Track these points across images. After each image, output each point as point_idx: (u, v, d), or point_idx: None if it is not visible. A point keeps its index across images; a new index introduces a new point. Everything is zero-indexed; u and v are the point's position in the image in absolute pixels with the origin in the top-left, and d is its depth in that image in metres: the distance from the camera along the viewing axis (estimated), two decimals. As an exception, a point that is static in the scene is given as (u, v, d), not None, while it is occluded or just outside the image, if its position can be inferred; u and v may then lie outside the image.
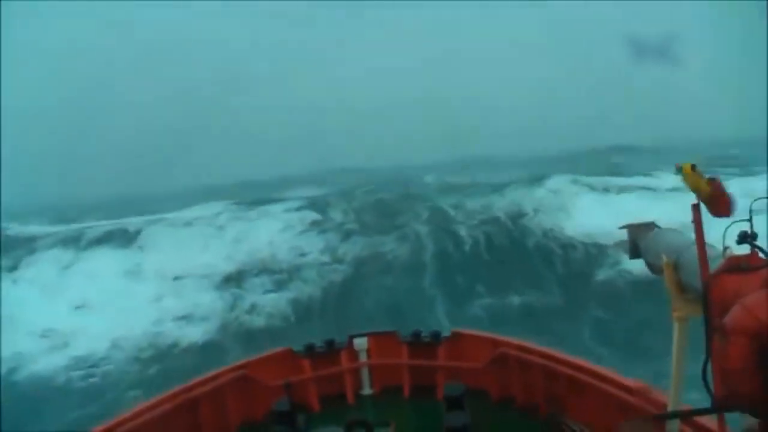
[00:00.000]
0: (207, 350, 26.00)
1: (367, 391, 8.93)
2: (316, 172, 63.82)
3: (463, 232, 34.76)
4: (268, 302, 29.65)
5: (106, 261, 33.75)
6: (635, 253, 5.29)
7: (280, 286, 31.09)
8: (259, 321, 28.28)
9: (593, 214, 33.57)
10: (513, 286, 27.77)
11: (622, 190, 39.03)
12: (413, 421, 8.27)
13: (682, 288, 4.49)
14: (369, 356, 8.95)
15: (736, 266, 3.57)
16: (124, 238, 37.17)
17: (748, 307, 3.09)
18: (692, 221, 4.00)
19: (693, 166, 3.94)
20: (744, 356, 3.06)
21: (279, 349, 9.09)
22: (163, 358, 25.73)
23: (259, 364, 8.72)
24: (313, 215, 39.98)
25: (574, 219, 33.57)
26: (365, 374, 8.94)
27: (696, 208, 3.98)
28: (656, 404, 6.27)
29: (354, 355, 8.96)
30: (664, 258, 4.59)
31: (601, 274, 27.96)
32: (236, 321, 28.32)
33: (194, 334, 27.31)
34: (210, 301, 29.75)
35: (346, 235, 35.69)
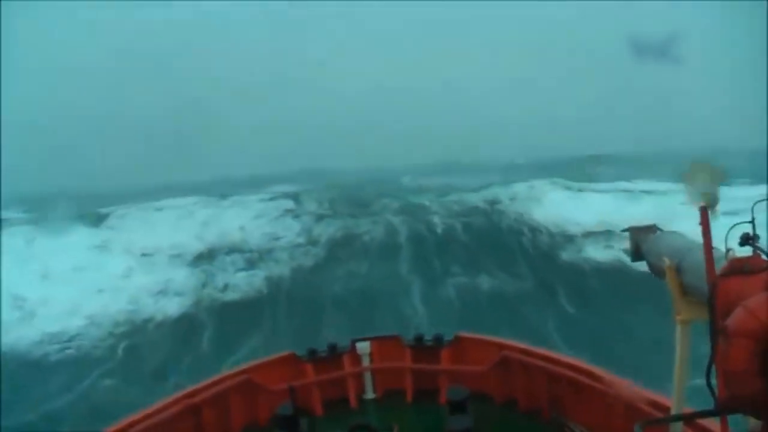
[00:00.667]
0: (181, 323, 26.40)
1: (370, 395, 8.99)
2: (293, 171, 64.24)
3: (437, 219, 35.46)
4: (240, 280, 29.90)
5: (75, 237, 33.81)
6: (637, 255, 5.29)
7: (251, 265, 31.34)
8: (233, 296, 28.48)
9: (564, 206, 34.62)
10: (485, 267, 28.42)
11: (596, 190, 40.07)
12: (416, 425, 8.35)
13: (685, 291, 4.50)
14: (372, 360, 9.00)
15: (738, 269, 3.58)
16: (95, 218, 37.27)
17: (751, 309, 3.12)
18: (700, 224, 3.96)
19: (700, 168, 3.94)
20: (747, 358, 3.09)
21: (282, 353, 9.17)
22: (137, 332, 25.94)
23: (262, 369, 8.77)
24: (287, 203, 40.42)
25: (545, 208, 34.49)
26: (368, 378, 9.01)
27: (704, 210, 3.94)
28: (659, 407, 6.35)
29: (357, 359, 8.98)
30: (667, 261, 4.59)
31: (566, 256, 28.78)
32: (209, 297, 28.48)
33: (169, 308, 27.47)
34: (183, 278, 29.88)
35: (320, 218, 36.12)
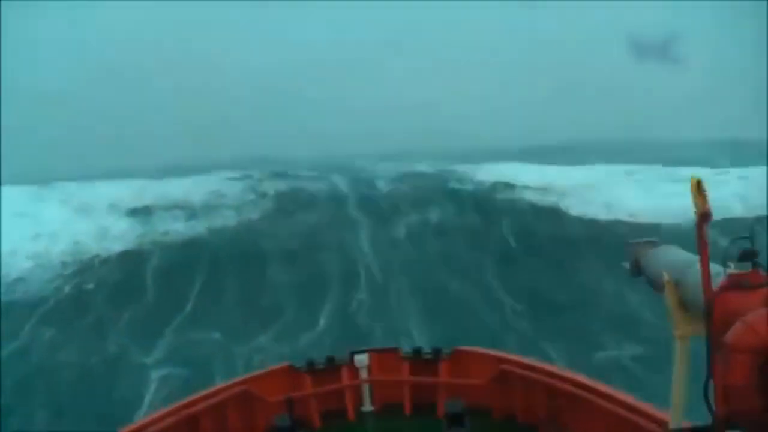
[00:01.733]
0: (127, 259, 26.72)
1: (367, 407, 9.07)
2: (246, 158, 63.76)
3: (382, 184, 36.22)
4: (181, 227, 29.94)
5: (14, 190, 33.38)
6: (636, 270, 5.34)
7: (193, 216, 31.39)
8: (175, 237, 28.51)
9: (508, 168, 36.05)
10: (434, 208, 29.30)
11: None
12: None
13: (683, 306, 4.57)
14: (370, 372, 9.11)
15: (737, 284, 3.63)
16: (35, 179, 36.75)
17: (749, 324, 3.17)
18: (697, 238, 4.02)
19: (699, 183, 4.03)
20: (745, 373, 3.13)
21: (280, 365, 9.33)
22: (85, 270, 26.07)
23: (259, 380, 8.88)
24: (234, 173, 40.44)
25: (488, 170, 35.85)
26: (366, 391, 9.08)
27: (701, 225, 4.00)
28: (657, 421, 6.38)
29: (355, 371, 9.08)
30: (665, 276, 4.65)
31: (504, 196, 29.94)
32: (151, 239, 28.47)
33: (112, 246, 27.49)
34: (122, 225, 29.82)
35: (272, 176, 36.36)
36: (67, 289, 24.84)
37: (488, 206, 30.80)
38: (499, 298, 25.12)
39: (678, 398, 4.78)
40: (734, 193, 30.51)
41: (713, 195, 4.02)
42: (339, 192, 33.30)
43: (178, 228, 29.86)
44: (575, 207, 31.41)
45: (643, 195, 32.95)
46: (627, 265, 5.43)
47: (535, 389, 7.81)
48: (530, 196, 32.06)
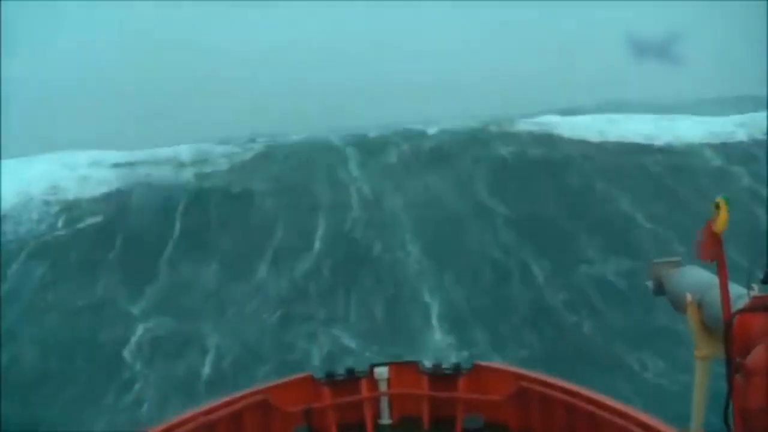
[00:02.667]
0: (111, 199, 26.92)
1: (385, 420, 9.11)
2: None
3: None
4: (168, 172, 29.90)
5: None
6: (659, 289, 5.39)
7: (181, 167, 31.35)
8: (161, 180, 28.49)
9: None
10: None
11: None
12: None
13: (706, 327, 4.61)
14: (389, 385, 9.16)
15: (760, 306, 3.65)
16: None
17: None
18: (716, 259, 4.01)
19: (717, 205, 4.07)
20: (765, 396, 3.18)
21: (299, 375, 9.47)
22: (71, 208, 26.30)
23: (278, 390, 8.96)
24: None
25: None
26: (384, 403, 9.13)
27: (719, 245, 3.99)
28: None
29: (374, 383, 9.14)
30: (688, 297, 4.70)
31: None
32: (135, 181, 28.44)
33: (95, 190, 27.62)
34: (105, 174, 29.80)
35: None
36: (59, 223, 24.68)
37: (484, 136, 30.71)
38: (491, 208, 25.08)
39: (698, 418, 4.78)
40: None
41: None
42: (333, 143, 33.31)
43: (164, 173, 29.76)
44: (568, 132, 31.57)
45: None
46: (650, 284, 5.49)
47: (554, 406, 7.86)
48: (528, 127, 32.12)
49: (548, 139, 31.71)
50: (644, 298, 21.99)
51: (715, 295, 4.28)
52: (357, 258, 23.03)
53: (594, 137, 31.94)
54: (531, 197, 25.96)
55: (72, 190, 27.69)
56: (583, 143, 31.21)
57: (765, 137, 30.94)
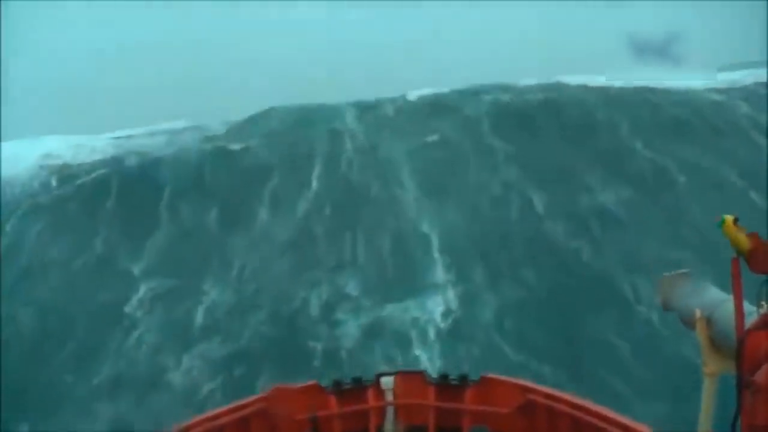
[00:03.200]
0: (107, 162, 27.12)
1: (391, 430, 9.20)
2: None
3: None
4: (162, 140, 29.94)
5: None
6: (668, 305, 5.49)
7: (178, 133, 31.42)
8: (156, 146, 28.56)
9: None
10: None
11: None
12: None
13: (715, 343, 4.67)
14: (395, 395, 9.26)
15: None
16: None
17: None
18: (731, 276, 4.04)
19: (735, 220, 4.04)
20: None
21: (306, 383, 9.46)
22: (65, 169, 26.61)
23: (285, 397, 9.06)
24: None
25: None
26: (390, 413, 9.23)
27: (736, 262, 4.03)
28: None
29: (380, 393, 9.24)
30: (698, 312, 4.76)
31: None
32: (129, 150, 28.54)
33: (91, 156, 27.84)
34: (99, 143, 29.94)
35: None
36: (53, 182, 24.75)
37: (484, 89, 30.95)
38: (491, 145, 24.93)
39: None
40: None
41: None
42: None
43: (160, 140, 29.83)
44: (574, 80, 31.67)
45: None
46: (658, 298, 5.57)
47: (560, 420, 7.86)
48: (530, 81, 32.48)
49: (550, 87, 31.58)
50: (642, 226, 22.40)
51: (725, 311, 4.34)
52: (356, 196, 22.93)
53: (597, 83, 31.88)
54: (532, 133, 25.89)
55: (66, 156, 27.81)
56: (585, 87, 31.13)
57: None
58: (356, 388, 9.13)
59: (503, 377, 9.56)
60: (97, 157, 28.02)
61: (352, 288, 21.21)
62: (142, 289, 21.67)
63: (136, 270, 22.33)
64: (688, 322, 4.96)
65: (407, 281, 21.17)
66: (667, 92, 30.52)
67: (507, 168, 23.96)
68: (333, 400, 8.99)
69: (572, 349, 18.04)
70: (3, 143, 29.37)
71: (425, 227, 22.35)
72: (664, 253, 20.17)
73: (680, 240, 21.04)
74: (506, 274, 20.99)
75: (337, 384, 9.15)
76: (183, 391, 19.10)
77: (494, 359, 17.65)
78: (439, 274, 21.26)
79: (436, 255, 21.58)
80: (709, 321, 4.68)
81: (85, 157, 27.96)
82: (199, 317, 20.78)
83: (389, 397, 9.13)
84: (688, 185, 23.29)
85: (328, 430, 8.76)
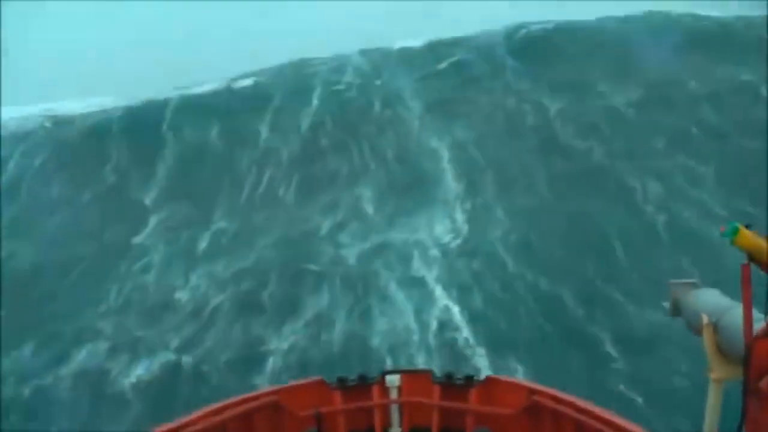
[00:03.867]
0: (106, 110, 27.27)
1: (395, 428, 9.29)
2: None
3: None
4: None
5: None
6: (676, 311, 5.55)
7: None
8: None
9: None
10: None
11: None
12: None
13: (721, 350, 4.73)
14: (400, 393, 9.34)
15: None
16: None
17: None
18: (741, 282, 4.06)
19: (748, 226, 4.06)
20: None
21: (311, 379, 9.60)
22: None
23: (290, 392, 9.13)
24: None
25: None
26: (395, 411, 9.34)
27: (747, 268, 4.04)
28: None
29: (385, 391, 9.33)
30: (705, 318, 4.82)
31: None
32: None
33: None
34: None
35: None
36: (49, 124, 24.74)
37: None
38: (502, 64, 24.67)
39: None
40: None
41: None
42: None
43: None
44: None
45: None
46: (666, 305, 5.60)
47: (565, 423, 7.86)
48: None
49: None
50: (650, 125, 22.15)
51: (732, 318, 4.40)
52: (358, 113, 22.59)
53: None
54: (544, 51, 25.65)
55: (66, 108, 27.84)
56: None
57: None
58: (361, 386, 9.19)
59: (509, 378, 9.63)
60: (94, 109, 28.18)
61: (361, 201, 20.91)
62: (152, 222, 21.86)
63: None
64: (695, 329, 4.98)
65: (416, 194, 20.81)
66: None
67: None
68: (338, 396, 9.05)
69: (578, 260, 17.71)
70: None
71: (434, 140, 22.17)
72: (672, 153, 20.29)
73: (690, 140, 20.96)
74: (519, 182, 20.62)
75: (342, 381, 9.20)
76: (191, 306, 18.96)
77: (494, 271, 17.53)
78: (450, 184, 20.98)
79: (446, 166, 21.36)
80: (716, 327, 4.71)
81: (86, 107, 28.20)
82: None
83: (394, 395, 9.20)
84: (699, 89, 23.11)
85: (332, 426, 8.79)
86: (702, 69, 23.79)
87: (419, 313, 16.68)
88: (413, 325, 16.38)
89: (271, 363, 16.07)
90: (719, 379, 4.71)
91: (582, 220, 18.91)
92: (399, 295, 17.44)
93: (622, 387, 12.97)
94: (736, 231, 4.00)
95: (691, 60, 24.49)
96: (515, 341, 14.96)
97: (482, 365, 14.34)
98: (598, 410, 7.65)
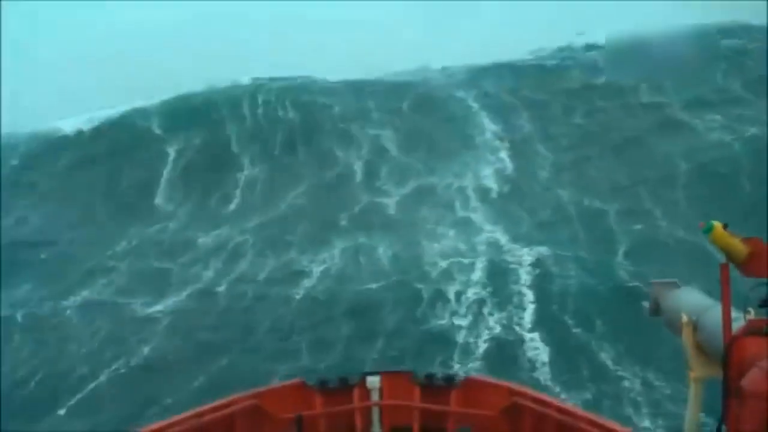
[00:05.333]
0: None
1: (376, 430, 9.34)
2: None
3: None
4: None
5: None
6: (656, 310, 5.66)
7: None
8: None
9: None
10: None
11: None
12: None
13: (701, 349, 4.79)
14: (381, 395, 9.38)
15: (756, 329, 3.77)
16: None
17: (766, 370, 3.32)
18: (720, 281, 4.14)
19: (725, 226, 4.12)
20: (759, 420, 3.24)
21: (292, 381, 9.66)
22: None
23: (270, 395, 9.18)
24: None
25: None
26: (375, 414, 9.37)
27: (725, 267, 4.12)
28: None
29: (366, 393, 9.36)
30: (684, 317, 4.88)
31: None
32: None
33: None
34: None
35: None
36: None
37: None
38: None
39: None
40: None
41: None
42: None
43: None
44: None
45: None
46: (646, 304, 5.78)
47: (546, 423, 7.98)
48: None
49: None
50: None
51: (711, 317, 4.46)
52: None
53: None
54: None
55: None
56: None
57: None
58: (342, 388, 9.15)
59: (489, 378, 9.74)
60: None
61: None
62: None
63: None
64: (675, 327, 5.02)
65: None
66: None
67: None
68: (318, 399, 9.04)
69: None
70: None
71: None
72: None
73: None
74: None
75: (323, 383, 9.16)
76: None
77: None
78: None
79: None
80: (695, 326, 4.76)
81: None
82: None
83: (375, 397, 9.18)
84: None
85: (313, 429, 8.78)
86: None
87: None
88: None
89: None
90: (699, 378, 4.72)
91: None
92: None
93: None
94: (711, 228, 3.98)
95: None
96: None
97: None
98: (581, 412, 7.66)
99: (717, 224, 4.00)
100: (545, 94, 24.79)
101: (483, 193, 19.32)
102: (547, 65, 27.87)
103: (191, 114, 25.55)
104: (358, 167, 21.50)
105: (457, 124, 23.51)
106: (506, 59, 28.37)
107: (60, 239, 19.16)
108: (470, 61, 28.73)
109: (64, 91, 29.95)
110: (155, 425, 7.53)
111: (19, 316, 15.43)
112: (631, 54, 26.58)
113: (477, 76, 27.44)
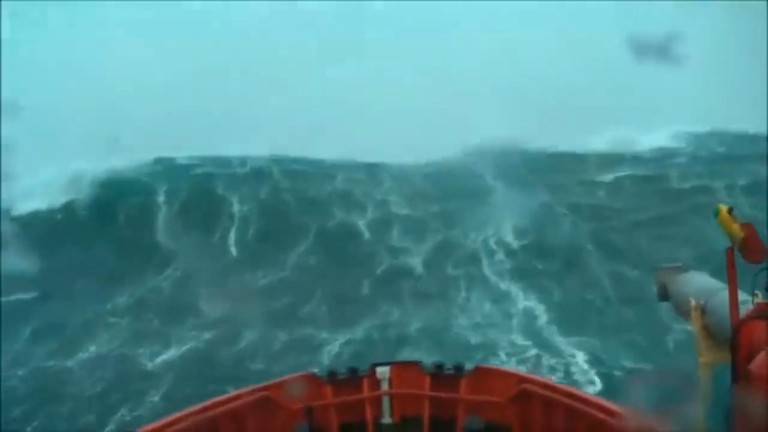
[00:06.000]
0: None
1: (387, 420, 9.26)
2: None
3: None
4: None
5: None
6: (664, 295, 5.65)
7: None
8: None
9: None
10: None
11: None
12: None
13: (709, 332, 4.78)
14: (391, 385, 9.31)
15: (764, 313, 3.84)
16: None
17: None
18: (726, 266, 4.20)
19: (730, 210, 4.22)
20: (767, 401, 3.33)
21: (301, 373, 9.78)
22: None
23: (280, 387, 9.07)
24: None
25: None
26: (386, 403, 9.27)
27: (730, 252, 4.18)
28: None
29: (376, 383, 9.30)
30: (692, 301, 4.87)
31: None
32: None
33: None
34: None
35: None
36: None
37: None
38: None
39: (700, 422, 4.94)
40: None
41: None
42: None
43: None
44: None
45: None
46: (655, 289, 5.85)
47: (555, 410, 7.98)
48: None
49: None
50: None
51: (719, 301, 4.55)
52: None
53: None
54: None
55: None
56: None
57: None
58: (351, 378, 9.21)
59: (498, 367, 10.32)
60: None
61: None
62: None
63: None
64: (683, 312, 5.11)
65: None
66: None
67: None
68: (328, 390, 9.08)
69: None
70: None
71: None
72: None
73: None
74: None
75: (333, 374, 9.24)
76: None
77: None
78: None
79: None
80: (703, 310, 4.80)
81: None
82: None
83: (384, 387, 9.19)
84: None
85: (324, 420, 8.85)
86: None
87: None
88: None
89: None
90: (708, 362, 4.75)
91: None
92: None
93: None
94: (717, 211, 4.18)
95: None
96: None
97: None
98: (589, 396, 7.86)
99: (722, 207, 4.13)
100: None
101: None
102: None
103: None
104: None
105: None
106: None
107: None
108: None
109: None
110: (164, 419, 7.69)
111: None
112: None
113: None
